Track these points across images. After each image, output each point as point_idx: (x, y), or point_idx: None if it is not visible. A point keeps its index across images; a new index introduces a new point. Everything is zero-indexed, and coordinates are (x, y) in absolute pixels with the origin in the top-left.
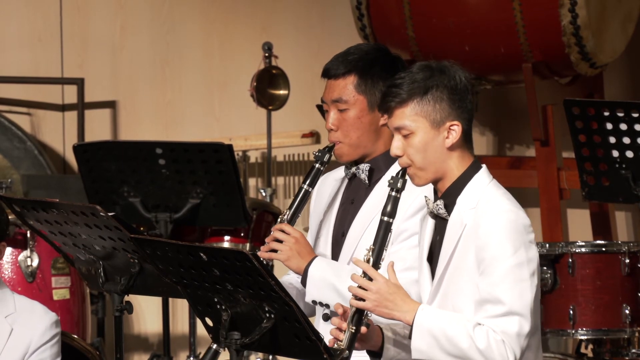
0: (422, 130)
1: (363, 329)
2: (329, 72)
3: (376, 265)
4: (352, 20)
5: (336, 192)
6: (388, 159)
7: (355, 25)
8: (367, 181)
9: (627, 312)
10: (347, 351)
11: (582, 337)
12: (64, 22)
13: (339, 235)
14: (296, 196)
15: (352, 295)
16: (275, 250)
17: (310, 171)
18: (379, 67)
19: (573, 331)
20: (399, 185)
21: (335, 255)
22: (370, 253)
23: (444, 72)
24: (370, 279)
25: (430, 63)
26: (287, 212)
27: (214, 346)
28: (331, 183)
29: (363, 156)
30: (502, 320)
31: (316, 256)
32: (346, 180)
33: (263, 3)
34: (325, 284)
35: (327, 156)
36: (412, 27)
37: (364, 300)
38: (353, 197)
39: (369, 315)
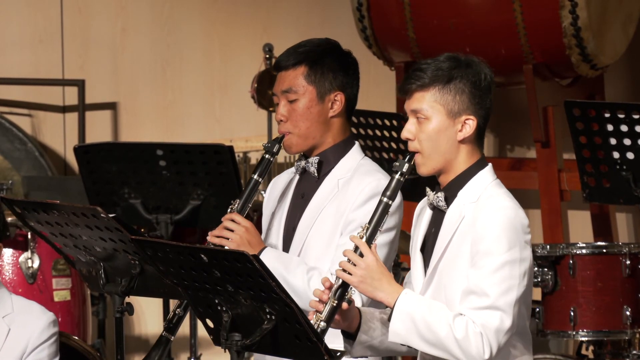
0: (437, 117)
1: (344, 304)
2: (280, 64)
3: (369, 243)
4: (353, 22)
5: (288, 187)
6: (337, 153)
7: (355, 26)
8: (316, 174)
9: (627, 313)
10: (325, 324)
11: (583, 339)
12: (65, 23)
13: (290, 230)
14: (246, 186)
15: (340, 268)
16: (226, 239)
17: (260, 162)
18: (329, 59)
19: (574, 332)
20: (404, 169)
21: (286, 249)
22: (365, 231)
23: (470, 66)
24: (362, 256)
25: (459, 55)
26: (238, 202)
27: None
28: (284, 180)
29: (312, 148)
30: (483, 313)
31: (266, 246)
32: (297, 176)
33: (263, 4)
34: (274, 274)
35: (276, 147)
36: (413, 29)
37: (350, 274)
38: (303, 192)
39: (353, 293)
